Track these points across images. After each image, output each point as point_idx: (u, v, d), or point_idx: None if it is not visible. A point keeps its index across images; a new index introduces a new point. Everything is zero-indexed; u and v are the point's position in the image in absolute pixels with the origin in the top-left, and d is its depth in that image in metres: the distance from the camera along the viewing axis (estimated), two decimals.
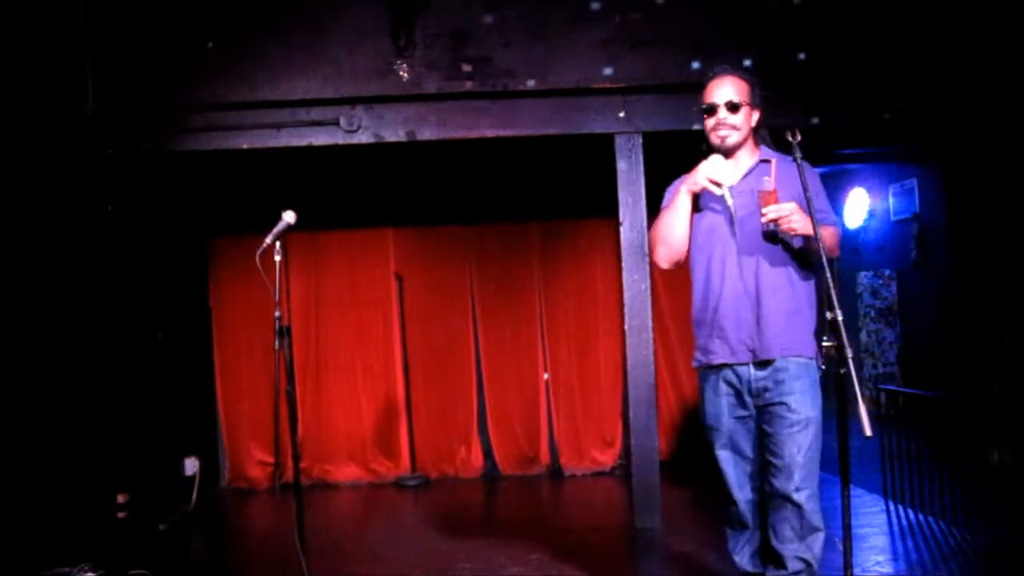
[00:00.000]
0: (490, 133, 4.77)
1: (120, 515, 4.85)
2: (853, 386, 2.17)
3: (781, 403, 2.67)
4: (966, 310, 6.01)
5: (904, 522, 4.64)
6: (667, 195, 2.95)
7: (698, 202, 2.80)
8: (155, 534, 5.01)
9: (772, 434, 2.69)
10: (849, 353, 2.24)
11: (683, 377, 6.42)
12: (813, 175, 2.78)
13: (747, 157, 2.80)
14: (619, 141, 4.75)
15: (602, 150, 4.81)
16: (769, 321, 2.67)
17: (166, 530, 5.10)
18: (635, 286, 4.74)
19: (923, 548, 4.17)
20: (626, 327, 4.76)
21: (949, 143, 5.70)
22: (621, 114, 4.74)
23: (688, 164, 2.91)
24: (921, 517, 4.67)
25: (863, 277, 7.75)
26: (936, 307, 6.55)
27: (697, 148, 2.87)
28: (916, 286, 6.94)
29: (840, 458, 2.50)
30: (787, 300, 2.68)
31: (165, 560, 4.49)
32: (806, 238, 2.62)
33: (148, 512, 5.11)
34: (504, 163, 5.82)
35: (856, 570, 3.37)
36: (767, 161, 2.73)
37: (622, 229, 4.75)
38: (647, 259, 4.75)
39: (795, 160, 2.54)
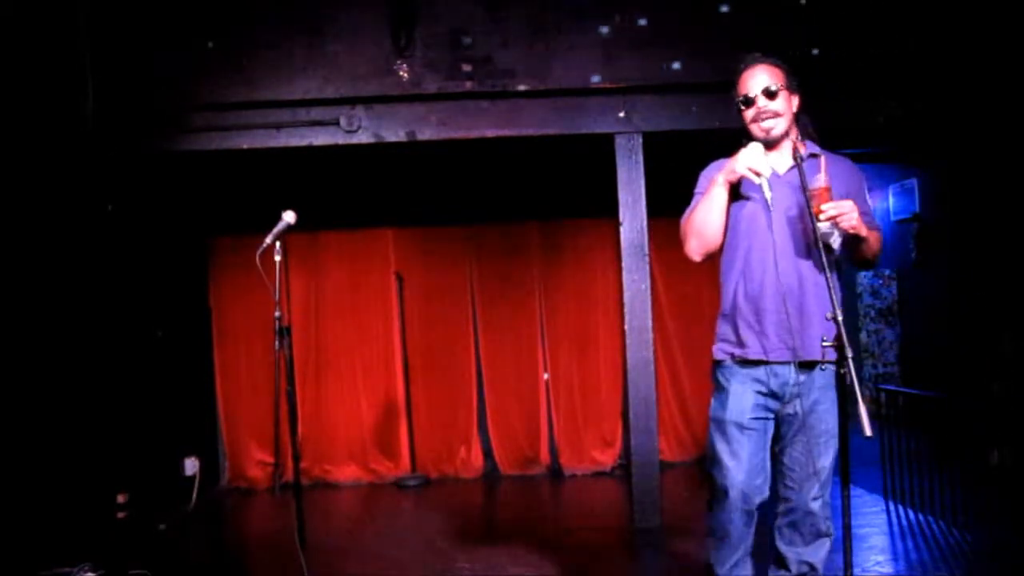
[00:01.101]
0: (490, 133, 4.77)
1: (120, 515, 4.85)
2: (853, 386, 2.16)
3: (812, 412, 2.58)
4: (966, 310, 6.01)
5: (904, 522, 4.64)
6: (701, 180, 2.80)
7: (736, 191, 2.63)
8: (155, 534, 5.01)
9: (798, 443, 2.61)
10: (849, 353, 2.23)
11: (683, 377, 6.42)
12: (857, 174, 2.71)
13: (791, 148, 2.63)
14: (619, 141, 4.75)
15: (602, 150, 4.81)
16: (812, 320, 2.55)
17: (166, 530, 5.10)
18: (635, 286, 4.74)
19: (923, 548, 4.17)
20: (626, 327, 4.76)
21: (949, 143, 5.70)
22: (621, 114, 4.74)
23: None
24: (921, 517, 4.67)
25: (863, 277, 7.75)
26: (936, 307, 6.55)
27: (731, 144, 2.73)
28: (916, 286, 6.94)
29: (840, 458, 2.50)
30: (825, 301, 2.54)
31: (165, 560, 4.49)
32: (855, 239, 2.53)
33: (148, 512, 5.11)
34: (504, 163, 5.82)
35: (856, 570, 3.37)
36: (815, 155, 2.62)
37: (622, 229, 4.75)
38: (647, 259, 4.75)
39: (795, 160, 2.50)
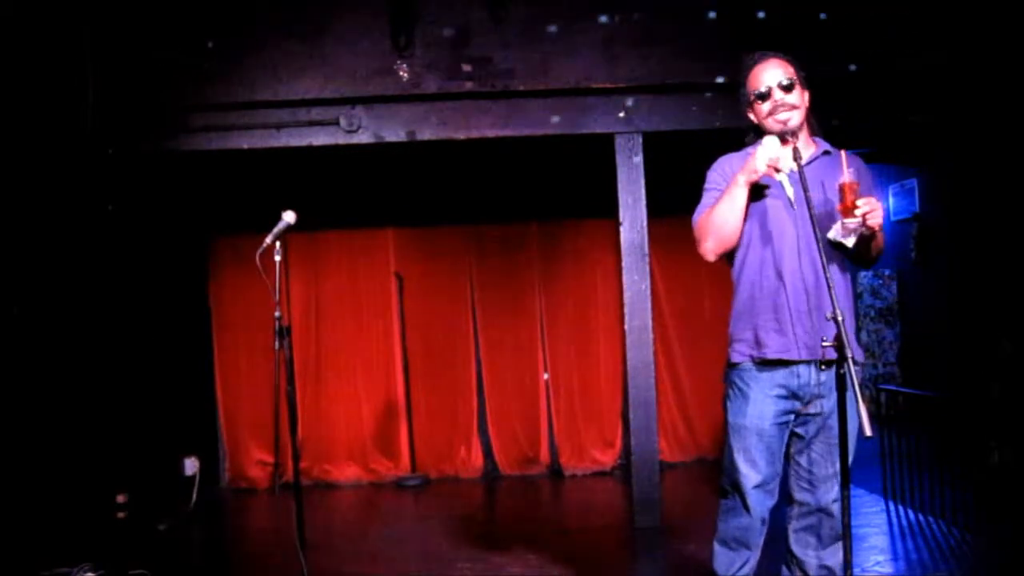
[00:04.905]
0: (490, 133, 4.77)
1: (120, 515, 4.85)
2: (853, 386, 2.16)
3: (835, 413, 2.49)
4: (966, 310, 6.01)
5: (904, 522, 4.64)
6: (713, 176, 2.72)
7: (756, 186, 2.56)
8: (155, 534, 5.02)
9: (818, 445, 2.57)
10: (849, 353, 2.22)
11: (683, 377, 6.42)
12: (869, 172, 2.67)
13: (805, 144, 2.61)
14: (619, 141, 4.75)
15: (602, 150, 4.81)
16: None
17: (166, 530, 5.10)
18: (635, 286, 4.74)
19: (923, 548, 4.17)
20: (626, 327, 4.76)
21: (949, 144, 5.70)
22: (621, 114, 4.74)
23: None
24: (921, 517, 4.67)
25: (863, 277, 7.75)
26: (936, 307, 6.55)
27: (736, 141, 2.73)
28: (916, 286, 6.94)
29: (840, 458, 2.50)
30: (840, 298, 2.45)
31: (165, 560, 4.49)
32: (870, 237, 2.49)
33: (148, 512, 5.12)
34: (504, 163, 5.82)
35: (856, 570, 3.37)
36: (828, 152, 2.59)
37: (622, 229, 4.75)
38: (647, 259, 4.75)
39: (797, 164, 2.48)
